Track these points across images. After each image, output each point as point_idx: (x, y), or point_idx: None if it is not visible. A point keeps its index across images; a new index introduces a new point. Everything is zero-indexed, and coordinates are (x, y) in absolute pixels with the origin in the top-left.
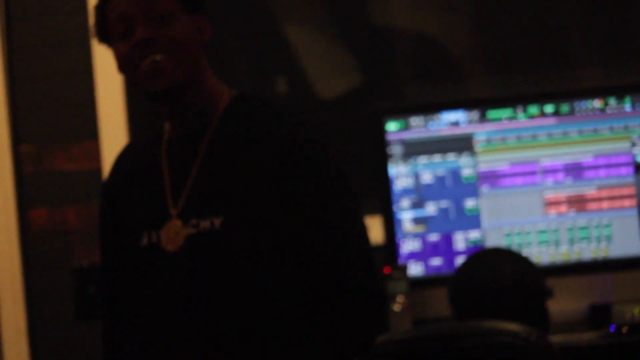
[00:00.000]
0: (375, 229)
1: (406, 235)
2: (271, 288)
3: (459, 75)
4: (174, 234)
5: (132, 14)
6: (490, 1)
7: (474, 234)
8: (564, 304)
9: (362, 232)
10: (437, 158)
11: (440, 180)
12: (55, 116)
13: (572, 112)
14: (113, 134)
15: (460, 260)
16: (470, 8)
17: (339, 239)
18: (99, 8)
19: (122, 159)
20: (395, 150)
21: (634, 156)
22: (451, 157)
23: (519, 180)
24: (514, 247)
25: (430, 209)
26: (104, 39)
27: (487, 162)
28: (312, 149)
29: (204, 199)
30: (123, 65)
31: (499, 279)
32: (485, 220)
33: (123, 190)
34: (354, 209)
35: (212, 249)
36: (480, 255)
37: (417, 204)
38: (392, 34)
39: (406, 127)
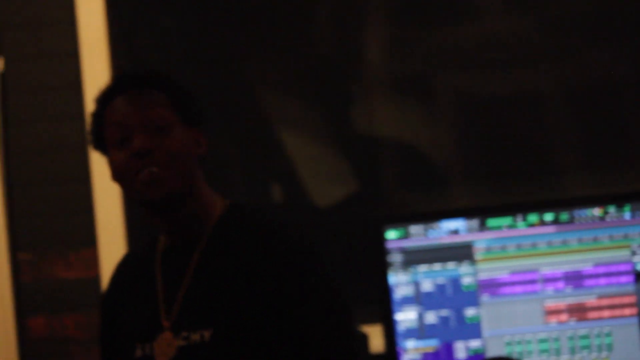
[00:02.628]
0: (375, 337)
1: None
2: None
3: (445, 183)
4: (166, 346)
5: (130, 123)
6: (473, 108)
7: (475, 343)
8: None
9: (352, 343)
10: (437, 266)
11: (440, 288)
12: (53, 224)
13: (571, 220)
14: (111, 241)
15: None
16: (453, 115)
17: (326, 352)
18: (95, 115)
19: (119, 269)
20: (395, 258)
21: (634, 265)
22: (451, 265)
23: (519, 289)
24: (515, 356)
25: (431, 317)
26: (100, 146)
27: (487, 270)
28: (300, 262)
29: (195, 311)
30: (119, 173)
31: None
32: (485, 329)
33: (119, 301)
34: (343, 319)
35: None
36: None
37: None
38: (379, 142)
39: (406, 236)
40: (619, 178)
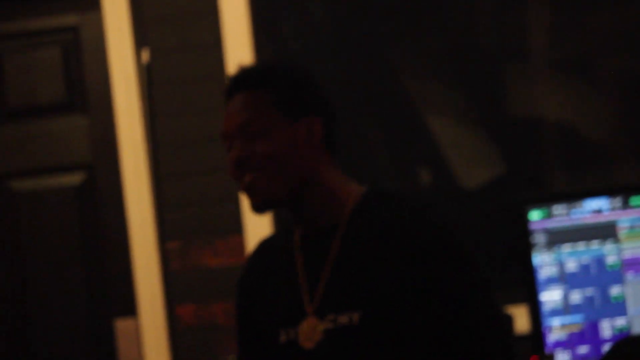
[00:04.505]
0: (521, 318)
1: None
2: None
3: (601, 162)
4: (311, 330)
5: (231, 132)
6: (635, 87)
7: (620, 321)
8: None
9: (497, 323)
10: (580, 246)
11: (584, 268)
12: (200, 213)
13: None
14: (257, 228)
15: (606, 347)
16: (615, 95)
17: (472, 333)
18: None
19: (257, 254)
20: (539, 239)
21: None
22: (595, 244)
23: None
24: None
25: (576, 297)
26: None
27: (631, 248)
28: (438, 245)
29: (340, 294)
30: (229, 175)
31: None
32: (631, 307)
33: (258, 286)
34: (484, 299)
35: (351, 344)
36: (625, 343)
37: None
38: (534, 122)
39: (549, 216)
40: None
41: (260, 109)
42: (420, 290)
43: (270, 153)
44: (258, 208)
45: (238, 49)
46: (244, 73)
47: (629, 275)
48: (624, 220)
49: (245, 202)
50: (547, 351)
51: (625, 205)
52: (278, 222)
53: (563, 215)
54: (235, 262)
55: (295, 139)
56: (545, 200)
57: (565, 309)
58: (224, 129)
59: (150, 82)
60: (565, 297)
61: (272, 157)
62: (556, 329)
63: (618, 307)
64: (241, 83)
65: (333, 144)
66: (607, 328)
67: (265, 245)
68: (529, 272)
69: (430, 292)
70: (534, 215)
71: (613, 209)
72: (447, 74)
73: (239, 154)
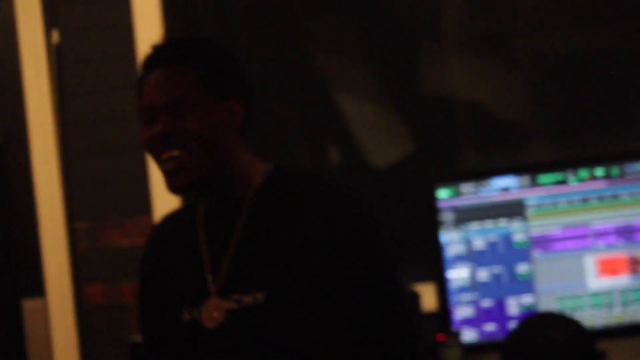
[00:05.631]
0: (428, 295)
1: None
2: None
3: (511, 140)
4: (214, 310)
5: (154, 105)
6: (548, 66)
7: (527, 299)
8: None
9: (403, 303)
10: (488, 224)
11: (492, 245)
12: (108, 193)
13: (622, 174)
14: (166, 208)
15: (513, 325)
16: (528, 73)
17: (379, 312)
18: (138, 89)
19: (160, 230)
20: (447, 217)
21: None
22: (503, 222)
23: (570, 244)
24: (567, 311)
25: (483, 275)
26: None
27: (539, 226)
28: (348, 222)
29: (245, 274)
30: (146, 149)
31: (551, 343)
32: (538, 285)
33: (162, 263)
34: (392, 278)
35: (255, 325)
36: (532, 320)
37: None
38: (445, 100)
39: (457, 194)
40: None
41: (187, 84)
42: (327, 269)
43: (196, 132)
44: (179, 189)
45: (148, 28)
46: (170, 46)
47: (536, 253)
48: (531, 198)
49: (154, 182)
50: (453, 329)
51: (533, 183)
52: (186, 202)
53: (471, 194)
54: (144, 242)
55: (218, 119)
56: (454, 178)
57: (473, 286)
58: (147, 101)
59: (60, 62)
60: (473, 275)
61: (198, 136)
62: (463, 308)
63: (525, 285)
64: (166, 56)
65: (247, 124)
66: (514, 306)
67: (168, 221)
68: (437, 250)
69: (336, 271)
70: (442, 193)
71: (521, 187)
72: (359, 52)
73: (164, 130)
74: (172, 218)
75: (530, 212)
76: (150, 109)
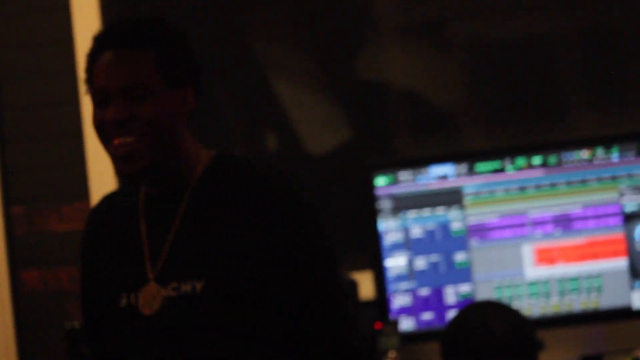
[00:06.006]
0: (365, 284)
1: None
2: (251, 351)
3: (453, 128)
4: (151, 297)
5: (110, 89)
6: (483, 53)
7: (465, 288)
8: (555, 356)
9: (342, 292)
10: (426, 212)
11: (429, 234)
12: (45, 177)
13: (559, 163)
14: (104, 194)
15: (451, 314)
16: (463, 61)
17: (318, 301)
18: (86, 70)
19: (98, 214)
20: (385, 204)
21: (622, 206)
22: (440, 210)
23: (508, 233)
24: (505, 300)
25: (421, 263)
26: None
27: (476, 215)
28: (289, 210)
29: (184, 262)
30: (96, 131)
31: (490, 332)
32: (475, 274)
33: (101, 248)
34: (333, 267)
35: (192, 313)
36: (471, 309)
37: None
38: (382, 87)
39: (395, 182)
40: (612, 120)
41: (146, 70)
42: (266, 257)
43: (152, 119)
44: (131, 176)
45: (85, 12)
46: (126, 27)
47: (474, 242)
48: (469, 186)
49: (92, 167)
50: (391, 317)
51: (471, 171)
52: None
53: (409, 181)
54: (81, 227)
55: (173, 106)
56: (391, 166)
57: (410, 275)
58: (101, 84)
59: None
60: (410, 263)
61: (153, 123)
62: (400, 296)
63: (462, 274)
64: (123, 38)
65: (194, 112)
66: (451, 294)
67: (107, 204)
68: (374, 238)
69: (276, 259)
70: (380, 181)
71: (458, 175)
72: (295, 38)
73: (119, 116)
74: (111, 200)
75: (467, 200)
76: (104, 92)
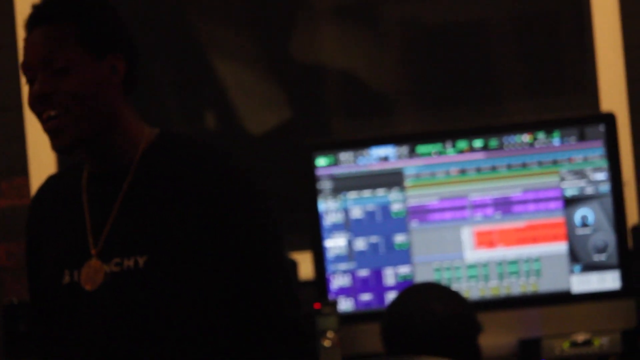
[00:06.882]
0: (305, 264)
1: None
2: (195, 328)
3: (388, 110)
4: (93, 273)
5: (33, 65)
6: (418, 36)
7: (404, 269)
8: (493, 339)
9: (286, 271)
10: (366, 193)
11: (370, 215)
12: None
13: (500, 146)
14: (43, 169)
15: (390, 295)
16: (398, 43)
17: (263, 280)
18: (24, 48)
19: (43, 192)
20: (325, 185)
21: (562, 190)
22: (381, 192)
23: (448, 215)
24: (444, 282)
25: (360, 244)
26: None
27: (417, 197)
28: (235, 188)
29: (127, 238)
30: (30, 109)
31: (430, 314)
32: (415, 255)
33: (45, 225)
34: (277, 247)
35: (136, 288)
36: (411, 291)
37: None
38: (319, 68)
39: (336, 163)
40: (552, 105)
41: (65, 44)
42: (209, 234)
43: (75, 92)
44: (61, 149)
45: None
46: (49, 4)
47: (414, 224)
48: (410, 168)
49: (31, 142)
50: (330, 298)
51: (412, 153)
52: (62, 163)
53: (349, 162)
54: (20, 203)
55: (99, 76)
56: (332, 146)
57: (350, 256)
58: (25, 61)
59: None
60: (350, 244)
61: (77, 96)
62: (340, 277)
63: (402, 255)
64: (44, 15)
65: (131, 83)
66: (390, 276)
67: (53, 182)
68: (314, 218)
69: (219, 236)
70: (321, 161)
71: (399, 156)
72: (235, 18)
73: (42, 90)
74: (56, 179)
75: (408, 182)
76: (29, 68)
